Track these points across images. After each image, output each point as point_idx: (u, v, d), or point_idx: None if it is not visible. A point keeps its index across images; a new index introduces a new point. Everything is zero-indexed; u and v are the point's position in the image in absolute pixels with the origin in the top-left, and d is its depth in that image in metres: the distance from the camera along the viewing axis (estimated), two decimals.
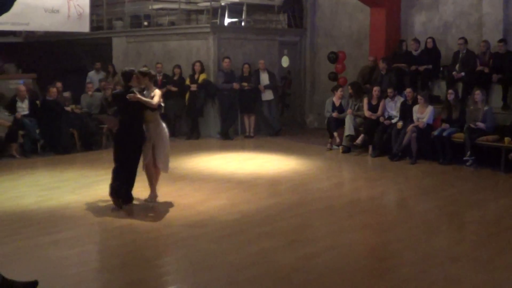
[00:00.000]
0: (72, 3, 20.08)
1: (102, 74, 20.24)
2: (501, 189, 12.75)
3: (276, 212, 10.48)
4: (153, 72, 11.25)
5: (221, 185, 12.39)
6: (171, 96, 18.55)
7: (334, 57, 19.04)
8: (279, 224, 9.81)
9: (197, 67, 18.38)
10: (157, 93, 10.68)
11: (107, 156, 15.42)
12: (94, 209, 10.59)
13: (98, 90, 18.45)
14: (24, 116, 15.72)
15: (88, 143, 16.53)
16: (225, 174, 13.65)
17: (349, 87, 17.34)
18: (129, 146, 10.53)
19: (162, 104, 10.93)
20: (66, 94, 18.12)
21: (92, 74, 20.32)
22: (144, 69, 11.29)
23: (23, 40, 24.34)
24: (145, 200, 10.97)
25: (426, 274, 7.69)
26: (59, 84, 17.12)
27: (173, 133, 18.74)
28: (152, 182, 11.02)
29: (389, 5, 18.51)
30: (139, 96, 10.37)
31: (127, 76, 10.71)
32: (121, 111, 10.84)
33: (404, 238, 9.23)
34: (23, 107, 15.91)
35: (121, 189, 10.47)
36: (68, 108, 16.62)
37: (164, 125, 10.96)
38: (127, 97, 10.32)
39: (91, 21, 21.59)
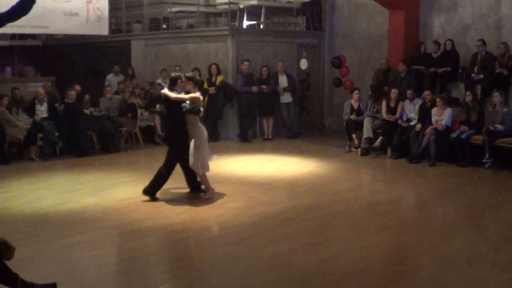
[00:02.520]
0: (91, 6, 20.17)
1: (120, 77, 20.30)
2: None
3: (294, 214, 10.48)
4: (197, 77, 11.83)
5: (239, 188, 12.40)
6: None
7: (338, 62, 19.00)
8: (297, 226, 9.81)
9: (214, 69, 18.40)
10: (193, 94, 11.16)
11: (126, 159, 15.62)
12: (113, 211, 10.63)
13: (116, 93, 18.52)
14: (43, 119, 15.78)
15: (106, 146, 16.56)
16: (244, 176, 13.66)
17: (369, 89, 17.35)
18: (172, 145, 11.47)
19: (201, 109, 11.34)
20: (86, 97, 18.21)
21: (110, 77, 20.39)
22: (190, 74, 11.86)
23: (42, 43, 24.48)
24: (204, 197, 11.53)
25: (444, 276, 7.67)
26: (78, 87, 17.16)
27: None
28: (202, 180, 11.65)
29: (408, 8, 18.46)
30: (167, 91, 11.10)
31: (172, 81, 11.45)
32: (167, 112, 11.45)
33: (422, 241, 9.21)
34: (42, 110, 15.98)
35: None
36: (87, 111, 16.68)
37: (202, 128, 11.46)
38: (161, 92, 11.34)
39: (110, 24, 21.67)
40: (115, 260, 8.62)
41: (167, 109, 11.44)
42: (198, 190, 11.75)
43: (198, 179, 11.72)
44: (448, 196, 12.22)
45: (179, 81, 11.33)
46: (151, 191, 11.36)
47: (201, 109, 11.33)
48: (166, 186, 12.44)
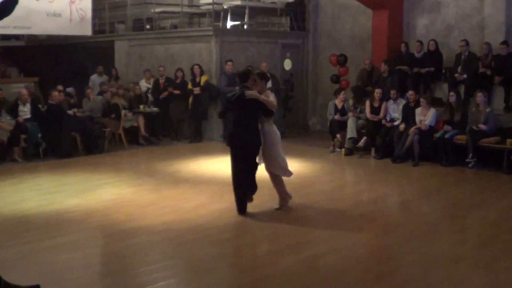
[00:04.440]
0: (74, 7, 20.11)
1: (104, 78, 20.27)
2: (503, 191, 12.72)
3: (278, 214, 10.48)
4: (268, 74, 11.05)
5: (223, 188, 12.35)
6: (173, 100, 18.61)
7: (343, 60, 19.00)
8: (281, 226, 9.80)
9: (196, 70, 18.40)
10: (270, 95, 10.39)
11: (110, 160, 15.58)
12: (96, 212, 10.59)
13: (100, 93, 18.46)
14: (26, 120, 15.70)
15: (90, 147, 16.48)
16: (228, 177, 13.47)
17: (351, 90, 17.42)
18: (247, 149, 10.36)
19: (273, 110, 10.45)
20: (70, 90, 18.15)
21: (94, 77, 20.38)
22: (261, 71, 11.22)
23: (25, 44, 24.39)
24: (276, 208, 10.73)
25: (428, 275, 7.69)
26: (60, 88, 17.09)
27: (176, 137, 18.84)
28: (275, 187, 10.81)
29: (392, 8, 18.50)
30: (257, 94, 10.17)
31: (243, 76, 10.56)
32: (238, 112, 10.46)
33: (406, 240, 9.23)
34: (25, 111, 15.89)
35: (245, 196, 10.51)
36: (70, 112, 16.61)
37: (274, 128, 10.54)
38: (246, 94, 10.15)
39: (93, 25, 21.62)
40: (99, 261, 8.58)
41: (240, 110, 10.36)
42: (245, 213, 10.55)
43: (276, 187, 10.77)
44: (431, 196, 12.28)
45: (251, 76, 10.44)
46: (245, 208, 10.49)
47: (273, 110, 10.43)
48: (149, 186, 12.47)
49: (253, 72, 10.76)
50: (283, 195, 10.77)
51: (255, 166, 10.43)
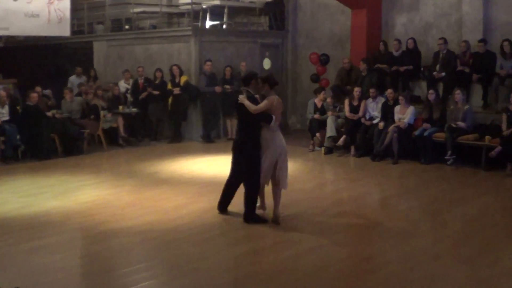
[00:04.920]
0: (53, 7, 20.05)
1: (83, 79, 20.18)
2: (482, 187, 12.81)
3: (259, 214, 10.46)
4: (274, 77, 10.36)
5: (203, 188, 12.37)
6: (152, 100, 18.57)
7: (325, 59, 19.03)
8: (261, 226, 9.78)
9: (175, 70, 18.37)
10: (265, 102, 9.79)
11: (89, 161, 15.52)
12: (76, 214, 10.53)
13: (79, 94, 18.37)
14: (5, 122, 15.58)
15: (69, 149, 16.38)
16: (208, 177, 13.63)
17: (330, 89, 17.47)
18: (240, 154, 10.05)
19: (273, 117, 9.82)
20: (47, 92, 18.05)
21: (73, 78, 20.26)
22: (265, 74, 10.49)
23: (3, 45, 24.19)
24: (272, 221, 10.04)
25: (408, 272, 7.74)
26: (38, 89, 16.98)
27: (156, 137, 18.79)
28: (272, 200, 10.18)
29: (370, 7, 18.57)
30: (244, 99, 9.78)
31: (245, 80, 10.15)
32: (240, 118, 10.24)
33: (386, 237, 9.27)
34: (3, 113, 15.75)
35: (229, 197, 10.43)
36: (49, 113, 16.50)
37: (278, 138, 9.93)
38: (238, 98, 9.86)
39: (72, 25, 21.56)
40: (80, 263, 8.53)
41: (241, 116, 10.11)
42: (225, 213, 10.45)
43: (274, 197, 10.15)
44: (411, 193, 12.34)
45: (253, 80, 10.02)
46: (250, 216, 10.01)
47: (274, 117, 9.83)
48: (129, 187, 12.44)
49: (256, 75, 10.28)
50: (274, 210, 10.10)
51: (255, 173, 9.91)
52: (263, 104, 9.73)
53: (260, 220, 9.97)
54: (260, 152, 9.82)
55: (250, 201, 9.98)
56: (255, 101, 9.82)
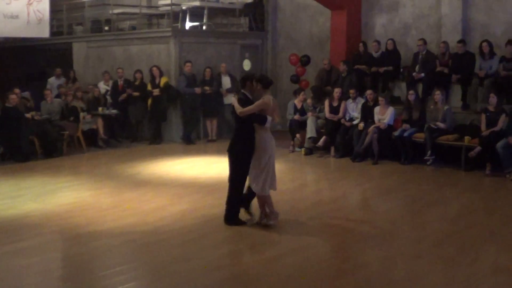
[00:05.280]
0: (32, 9, 19.94)
1: (62, 80, 20.09)
2: (461, 187, 12.90)
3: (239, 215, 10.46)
4: (268, 78, 10.22)
5: (184, 190, 12.35)
6: (132, 102, 18.52)
7: (306, 60, 19.05)
8: (242, 228, 9.77)
9: (155, 71, 18.33)
10: (256, 103, 9.63)
11: (69, 163, 15.46)
12: (56, 216, 10.48)
13: (58, 96, 18.28)
14: None
15: (49, 150, 16.29)
16: (188, 178, 13.61)
17: (310, 90, 17.50)
18: (232, 155, 9.87)
19: (268, 118, 9.68)
20: (26, 94, 17.94)
21: (52, 80, 20.15)
22: (259, 74, 10.40)
23: None
24: (267, 223, 9.90)
25: (389, 272, 7.77)
26: (17, 91, 16.86)
27: (135, 139, 18.74)
28: (265, 202, 9.92)
29: (350, 8, 18.60)
30: (235, 101, 9.72)
31: (241, 82, 10.06)
32: (234, 120, 10.06)
33: (367, 238, 9.29)
34: None
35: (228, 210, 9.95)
36: (28, 115, 16.39)
37: (266, 142, 9.72)
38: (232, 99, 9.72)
39: (51, 27, 21.46)
40: (59, 266, 8.50)
41: (235, 118, 9.99)
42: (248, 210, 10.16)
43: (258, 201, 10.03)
44: (391, 194, 12.38)
45: (248, 82, 9.82)
46: (231, 218, 9.90)
47: (269, 117, 9.68)
48: (109, 189, 12.39)
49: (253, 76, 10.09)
50: (273, 211, 9.95)
51: (239, 176, 9.81)
52: (252, 106, 9.60)
53: (241, 222, 9.90)
54: (248, 156, 9.69)
55: (231, 203, 9.90)
56: (247, 103, 9.70)
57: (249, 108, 9.57)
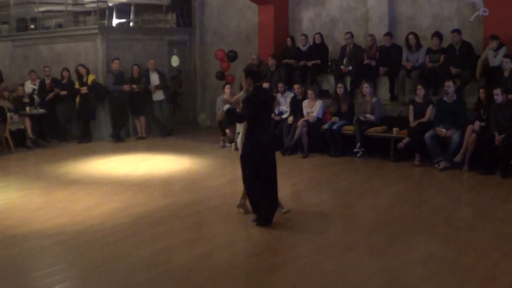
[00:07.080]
0: None
1: None
2: (391, 178, 13.09)
3: (171, 212, 10.44)
4: (255, 69, 9.85)
5: (114, 188, 12.25)
6: (60, 100, 18.29)
7: (233, 55, 19.04)
8: (174, 224, 9.77)
9: (81, 70, 18.13)
10: (238, 95, 9.56)
11: None
12: None
13: None
14: None
15: None
16: (118, 176, 13.51)
17: (240, 84, 17.51)
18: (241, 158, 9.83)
19: (243, 112, 9.32)
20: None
21: None
22: (247, 66, 10.04)
23: None
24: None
25: (320, 264, 7.83)
26: None
27: (64, 138, 18.50)
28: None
29: (277, 2, 18.69)
30: (226, 97, 9.44)
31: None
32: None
33: (299, 231, 9.34)
34: None
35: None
36: None
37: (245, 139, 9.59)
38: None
39: None
40: None
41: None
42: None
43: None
44: (322, 186, 12.50)
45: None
46: (262, 221, 9.56)
47: (243, 112, 9.31)
48: (39, 190, 12.22)
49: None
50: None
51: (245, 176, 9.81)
52: (235, 99, 9.69)
53: (270, 219, 9.59)
54: (245, 154, 9.71)
55: (253, 207, 9.74)
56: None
57: (237, 96, 9.78)
